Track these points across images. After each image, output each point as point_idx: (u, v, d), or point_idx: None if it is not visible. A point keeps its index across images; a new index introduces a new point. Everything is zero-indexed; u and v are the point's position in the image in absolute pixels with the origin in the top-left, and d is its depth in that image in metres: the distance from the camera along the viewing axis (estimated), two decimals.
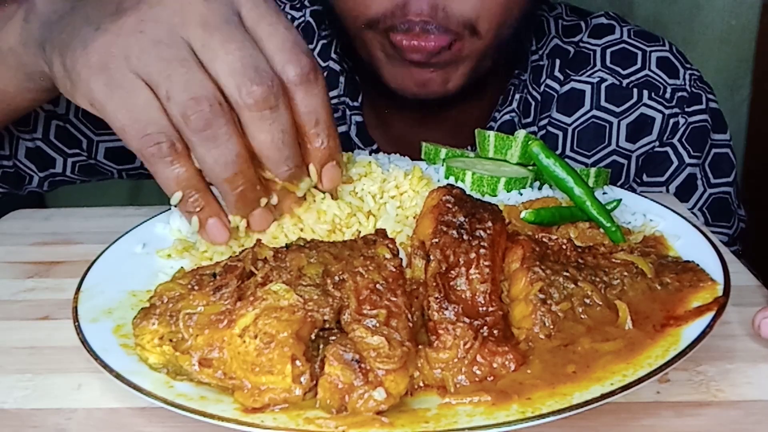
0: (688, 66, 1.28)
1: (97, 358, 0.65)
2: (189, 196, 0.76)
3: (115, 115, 0.74)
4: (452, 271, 0.70)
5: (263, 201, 0.79)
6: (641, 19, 1.54)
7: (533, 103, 1.28)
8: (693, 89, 1.26)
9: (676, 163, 1.25)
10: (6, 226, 1.06)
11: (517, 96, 1.27)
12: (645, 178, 1.27)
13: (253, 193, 0.77)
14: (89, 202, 1.14)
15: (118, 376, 0.63)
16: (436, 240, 0.72)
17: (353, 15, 1.12)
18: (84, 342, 0.67)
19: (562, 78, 1.27)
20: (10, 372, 0.70)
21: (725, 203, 1.26)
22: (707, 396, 0.63)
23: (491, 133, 0.98)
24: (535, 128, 1.27)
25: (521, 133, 0.95)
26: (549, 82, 1.27)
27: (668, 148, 1.25)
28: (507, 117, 1.26)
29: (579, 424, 0.60)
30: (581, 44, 1.29)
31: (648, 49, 1.27)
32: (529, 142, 0.92)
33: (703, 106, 1.26)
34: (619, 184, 1.24)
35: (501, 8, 1.09)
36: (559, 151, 1.26)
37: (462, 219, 0.73)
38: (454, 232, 0.72)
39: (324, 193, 0.84)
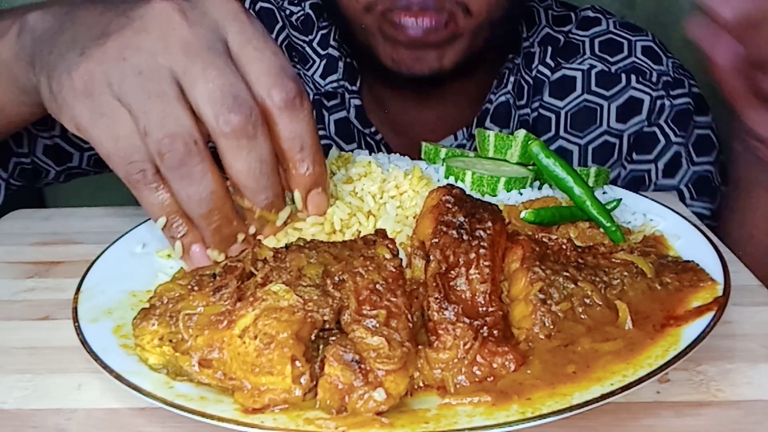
0: (669, 55, 1.36)
1: (97, 358, 0.65)
2: (173, 221, 0.76)
3: (100, 142, 0.74)
4: (452, 271, 0.70)
5: (240, 237, 0.79)
6: (641, 19, 1.54)
7: (526, 87, 1.33)
8: (676, 75, 1.33)
9: (663, 142, 1.31)
10: (6, 226, 1.06)
11: (511, 79, 1.32)
12: (635, 156, 1.33)
13: (229, 228, 0.77)
14: (89, 202, 1.14)
15: (118, 377, 0.62)
16: (436, 240, 0.72)
17: (352, 1, 1.17)
18: (84, 342, 0.67)
19: (553, 65, 1.34)
20: (10, 372, 0.70)
21: (707, 180, 1.32)
22: (707, 396, 0.63)
23: (491, 133, 0.98)
24: (528, 110, 1.33)
25: (521, 133, 0.95)
26: (540, 68, 1.34)
27: (656, 128, 1.32)
28: (503, 98, 1.31)
29: (579, 424, 0.60)
30: (570, 35, 1.36)
31: (633, 38, 1.35)
32: (529, 142, 0.93)
33: (686, 90, 1.33)
34: (611, 162, 1.33)
35: None
36: (552, 133, 1.32)
37: (462, 219, 0.73)
38: (454, 232, 0.72)
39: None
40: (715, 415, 0.61)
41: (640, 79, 1.32)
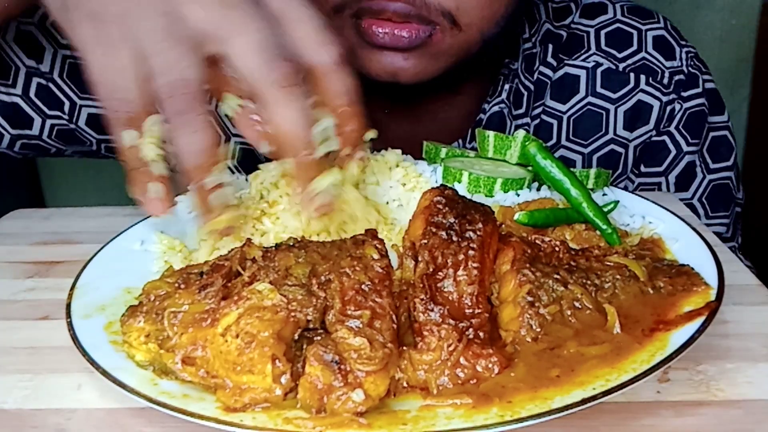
0: (683, 43, 1.24)
1: (85, 353, 0.66)
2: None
3: (94, 68, 0.72)
4: (440, 273, 0.69)
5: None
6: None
7: (525, 93, 1.23)
8: (690, 69, 1.22)
9: (674, 151, 1.21)
10: (6, 226, 1.06)
11: (506, 86, 1.23)
12: (643, 168, 1.24)
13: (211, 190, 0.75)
14: (89, 202, 1.14)
15: (104, 373, 0.63)
16: (425, 241, 0.72)
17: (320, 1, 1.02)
18: (74, 338, 0.68)
19: (555, 64, 1.23)
20: (10, 372, 0.70)
21: (725, 189, 1.23)
22: (707, 395, 0.63)
23: (491, 133, 0.98)
24: (527, 119, 1.23)
25: (520, 134, 0.95)
26: (542, 69, 1.23)
27: (665, 137, 1.22)
28: (496, 108, 1.22)
29: (579, 423, 0.60)
30: (573, 26, 1.24)
31: (643, 27, 1.22)
32: (527, 143, 0.93)
33: (700, 89, 1.22)
34: (617, 174, 1.23)
35: (483, 2, 1.03)
36: (554, 141, 1.23)
37: (452, 220, 0.73)
38: (444, 233, 0.72)
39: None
40: (715, 414, 0.61)
41: (650, 81, 1.20)
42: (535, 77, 1.23)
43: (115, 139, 0.74)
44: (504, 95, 1.22)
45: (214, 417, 0.58)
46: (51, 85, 1.17)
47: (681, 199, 1.19)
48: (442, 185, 0.81)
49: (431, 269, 0.69)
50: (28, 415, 0.64)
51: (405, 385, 0.63)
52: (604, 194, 0.96)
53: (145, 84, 0.71)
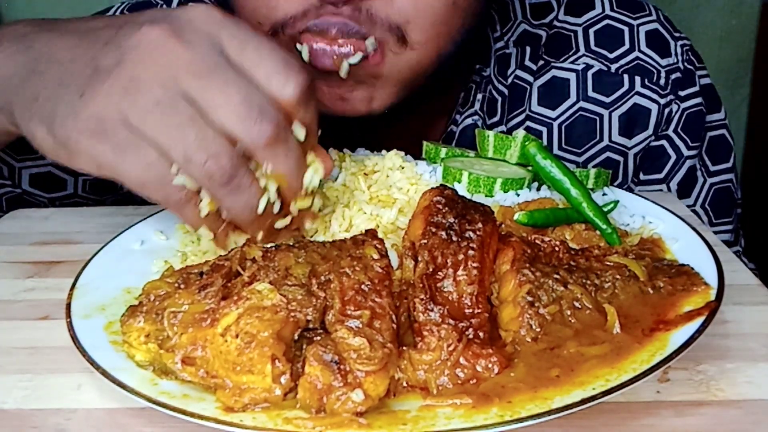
0: (677, 35, 1.17)
1: (85, 353, 0.66)
2: (218, 228, 0.78)
3: (130, 175, 0.73)
4: (440, 273, 0.69)
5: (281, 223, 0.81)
6: None
7: (499, 99, 1.15)
8: (685, 64, 1.16)
9: (674, 157, 1.15)
10: (6, 226, 1.06)
11: (479, 96, 1.15)
12: (642, 176, 1.18)
13: (272, 222, 0.79)
14: (89, 202, 1.14)
15: (104, 373, 0.63)
16: (425, 241, 0.72)
17: (255, 21, 0.94)
18: (74, 338, 0.68)
19: (535, 68, 1.14)
20: (10, 372, 0.70)
21: (727, 193, 1.19)
22: (707, 395, 0.63)
23: (490, 133, 0.97)
24: (503, 127, 1.15)
25: (520, 134, 0.95)
26: (519, 73, 1.14)
27: (664, 141, 1.15)
28: (469, 121, 1.15)
29: (579, 423, 0.60)
30: (557, 24, 1.16)
31: (635, 23, 1.15)
32: (526, 143, 0.92)
33: (696, 87, 1.16)
34: (616, 184, 1.16)
35: (438, 16, 0.92)
36: None
37: (452, 220, 0.73)
38: (444, 233, 0.72)
39: None
40: (715, 414, 0.61)
41: (646, 82, 1.13)
42: (509, 81, 1.15)
43: (187, 219, 0.77)
44: (477, 106, 1.15)
45: (214, 417, 0.58)
46: None
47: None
48: (441, 185, 0.81)
49: (431, 269, 0.69)
50: (28, 415, 0.64)
51: (405, 385, 0.63)
52: (604, 194, 0.96)
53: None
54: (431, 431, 0.56)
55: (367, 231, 0.76)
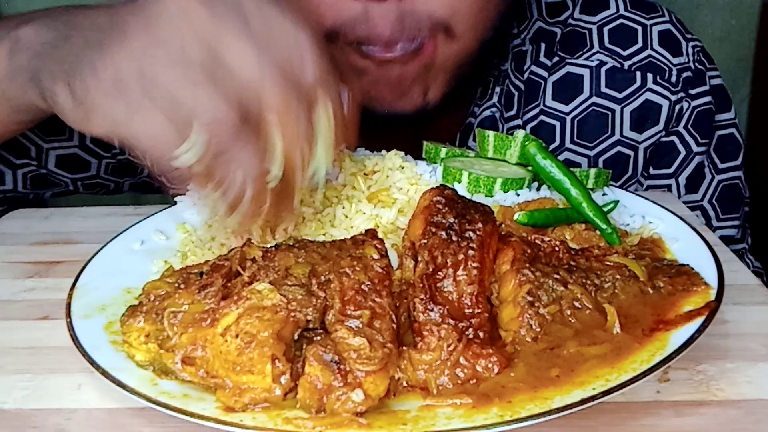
0: (689, 37, 1.20)
1: (85, 353, 0.66)
2: (229, 192, 0.74)
3: (139, 136, 0.72)
4: (440, 272, 0.69)
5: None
6: None
7: (516, 94, 1.19)
8: (696, 65, 1.18)
9: (683, 152, 1.18)
10: (6, 226, 1.06)
11: (497, 89, 1.19)
12: (652, 170, 1.20)
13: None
14: (89, 202, 1.14)
15: (104, 373, 0.63)
16: (425, 241, 0.72)
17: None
18: (74, 338, 0.68)
19: (550, 64, 1.18)
20: (10, 372, 0.70)
21: (735, 190, 1.21)
22: (707, 395, 0.63)
23: (490, 133, 0.98)
24: (519, 121, 1.19)
25: (520, 133, 0.95)
26: (534, 68, 1.18)
27: (674, 137, 1.18)
28: (487, 113, 1.19)
29: (579, 423, 0.60)
30: (572, 22, 1.20)
31: (648, 22, 1.18)
32: (526, 143, 0.92)
33: (707, 87, 1.19)
34: (626, 178, 1.19)
35: (478, 4, 0.99)
36: (557, 143, 1.18)
37: (452, 220, 0.73)
38: (443, 233, 0.72)
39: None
40: (715, 414, 0.61)
41: (658, 79, 1.16)
42: (525, 77, 1.19)
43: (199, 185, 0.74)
44: (495, 98, 1.19)
45: (214, 417, 0.58)
46: (17, 135, 1.16)
47: (691, 202, 1.18)
48: (441, 185, 0.81)
49: (431, 269, 0.69)
50: (28, 415, 0.64)
51: (405, 385, 0.63)
52: (604, 194, 0.96)
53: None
54: (431, 431, 0.56)
55: (366, 231, 0.76)
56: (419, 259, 0.71)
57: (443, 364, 0.62)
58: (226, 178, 0.72)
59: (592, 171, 0.96)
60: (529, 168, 0.94)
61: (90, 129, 0.76)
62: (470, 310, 0.67)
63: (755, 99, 2.27)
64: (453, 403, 0.59)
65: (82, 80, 0.74)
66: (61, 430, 0.62)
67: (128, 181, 1.28)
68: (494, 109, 1.19)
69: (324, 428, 0.56)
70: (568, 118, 1.18)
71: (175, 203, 0.97)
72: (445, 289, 0.69)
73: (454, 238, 0.71)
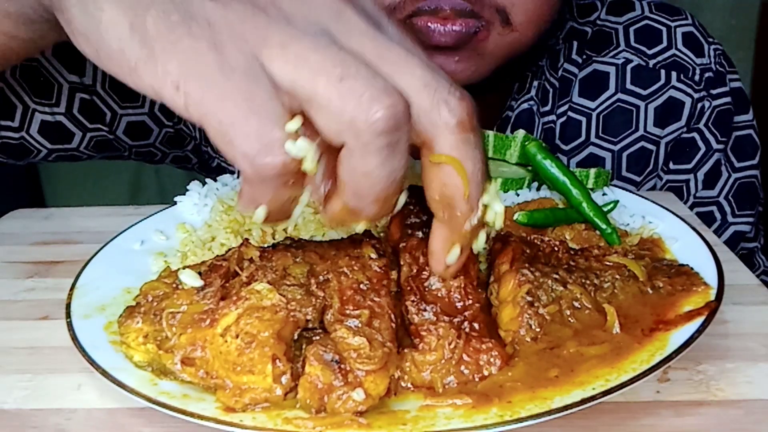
0: (711, 40, 1.24)
1: (84, 353, 0.66)
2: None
3: (222, 107, 0.54)
4: (423, 272, 0.69)
5: None
6: None
7: (551, 90, 1.23)
8: (718, 67, 1.22)
9: (703, 149, 1.22)
10: (6, 226, 1.06)
11: (535, 83, 1.22)
12: (672, 165, 1.24)
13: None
14: (89, 202, 1.14)
15: (104, 373, 0.63)
16: (403, 244, 0.72)
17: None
18: (74, 338, 0.68)
19: (580, 61, 1.22)
20: (10, 372, 0.70)
21: (751, 187, 1.24)
22: (707, 395, 0.63)
23: (490, 133, 0.97)
24: (553, 116, 1.22)
25: (520, 133, 0.95)
26: (567, 66, 1.22)
27: (695, 134, 1.22)
28: (525, 105, 1.21)
29: (578, 423, 0.60)
30: (599, 22, 1.24)
31: (672, 24, 1.23)
32: (526, 143, 0.92)
33: (727, 88, 1.23)
34: (647, 172, 1.23)
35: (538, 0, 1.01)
36: (583, 138, 1.22)
37: (424, 218, 0.73)
38: (420, 232, 0.72)
39: None
40: (715, 414, 0.61)
41: (682, 77, 1.20)
42: (559, 74, 1.23)
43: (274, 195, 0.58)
44: (533, 92, 1.22)
45: (214, 417, 0.58)
46: (95, 98, 1.17)
47: (708, 197, 1.22)
48: (409, 185, 0.75)
49: (415, 270, 0.69)
50: (28, 415, 0.64)
51: (410, 386, 0.63)
52: (604, 194, 0.96)
53: None
54: (431, 431, 0.56)
55: (364, 231, 0.76)
56: (402, 262, 0.71)
57: (448, 362, 0.62)
58: (381, 167, 0.57)
59: (592, 171, 0.96)
60: (529, 168, 0.95)
61: (138, 75, 0.57)
62: (461, 303, 0.67)
63: (755, 99, 2.27)
64: (453, 403, 0.59)
65: (167, 17, 0.55)
66: (61, 430, 0.62)
67: (175, 153, 1.29)
68: (532, 102, 1.21)
69: (324, 428, 0.56)
70: (594, 114, 1.22)
71: (175, 203, 0.97)
72: (433, 288, 0.69)
73: None
